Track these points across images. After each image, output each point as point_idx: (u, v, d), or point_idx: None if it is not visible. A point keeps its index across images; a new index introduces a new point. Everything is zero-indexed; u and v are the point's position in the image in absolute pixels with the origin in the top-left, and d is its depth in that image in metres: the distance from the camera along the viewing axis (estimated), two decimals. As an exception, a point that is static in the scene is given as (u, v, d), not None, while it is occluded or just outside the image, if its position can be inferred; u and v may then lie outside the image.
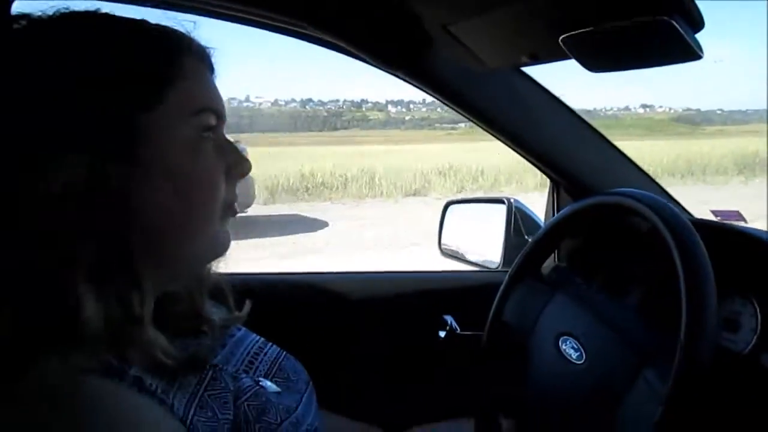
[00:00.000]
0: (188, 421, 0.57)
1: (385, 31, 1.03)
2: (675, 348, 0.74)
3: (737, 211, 1.47)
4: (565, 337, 0.98)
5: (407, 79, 1.14)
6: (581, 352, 0.94)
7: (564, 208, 1.17)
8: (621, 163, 1.32)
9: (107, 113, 0.57)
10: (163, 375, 0.57)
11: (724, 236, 1.01)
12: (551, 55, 0.90)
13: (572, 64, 0.88)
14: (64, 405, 0.50)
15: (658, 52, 0.78)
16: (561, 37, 0.81)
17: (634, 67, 0.84)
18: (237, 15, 1.12)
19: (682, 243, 0.82)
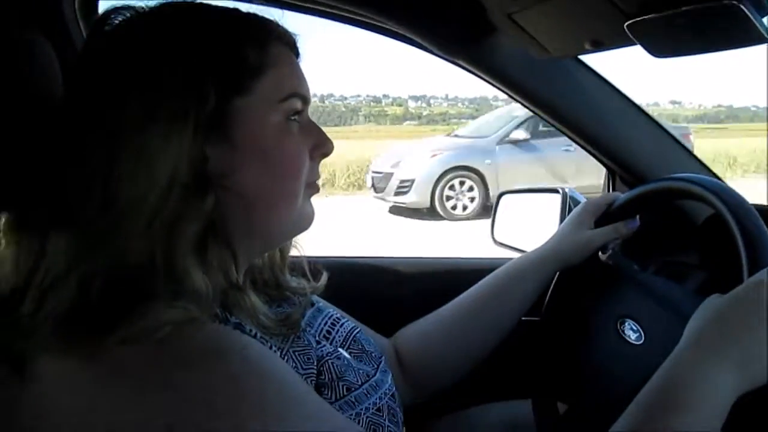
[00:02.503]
0: None
1: (449, 18, 1.07)
2: None
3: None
4: (624, 319, 1.00)
5: (467, 66, 1.17)
6: (640, 333, 0.96)
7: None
8: (677, 152, 1.32)
9: (207, 98, 0.61)
10: (261, 329, 0.62)
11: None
12: (615, 41, 0.92)
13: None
14: (182, 346, 0.54)
15: (724, 36, 0.79)
16: (626, 23, 0.83)
17: (700, 52, 0.85)
18: (291, 2, 1.14)
19: (746, 227, 0.83)
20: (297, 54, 0.72)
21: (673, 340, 0.90)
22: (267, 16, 0.70)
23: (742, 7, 0.71)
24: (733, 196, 0.88)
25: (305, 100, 0.69)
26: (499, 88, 1.20)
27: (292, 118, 0.68)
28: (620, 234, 1.06)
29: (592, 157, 1.35)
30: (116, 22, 0.65)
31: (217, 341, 0.56)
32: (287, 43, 0.70)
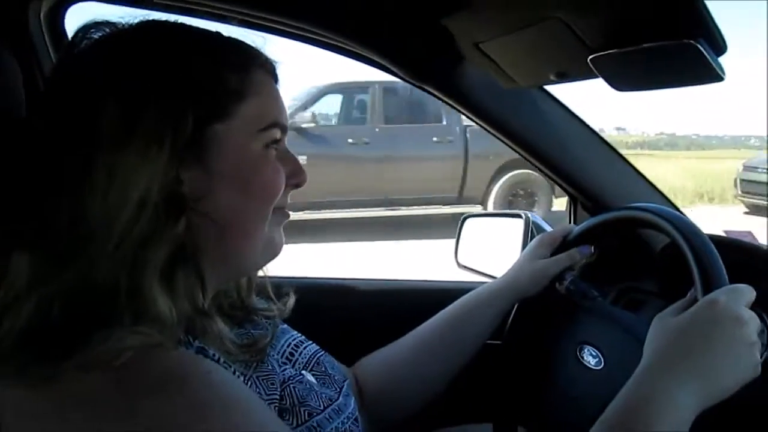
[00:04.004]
0: None
1: (418, 46, 1.09)
2: None
3: (750, 232, 1.51)
4: (584, 345, 1.02)
5: (435, 92, 1.19)
6: (599, 359, 0.97)
7: (581, 223, 1.21)
8: (636, 181, 1.36)
9: (185, 121, 0.60)
10: (225, 354, 0.61)
11: (739, 252, 1.05)
12: (579, 73, 0.94)
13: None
14: (143, 373, 0.53)
15: (683, 73, 0.82)
16: (590, 57, 0.86)
17: (659, 88, 0.88)
18: (267, 24, 1.13)
19: (699, 252, 0.85)
20: (276, 81, 0.71)
21: (632, 364, 0.91)
22: (249, 41, 0.69)
23: (699, 46, 0.74)
24: (687, 224, 0.90)
25: (284, 129, 0.69)
26: (465, 115, 1.22)
27: (271, 147, 0.68)
28: (574, 260, 1.08)
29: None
30: (95, 37, 0.64)
31: (179, 367, 0.54)
32: (269, 70, 0.70)
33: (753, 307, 0.94)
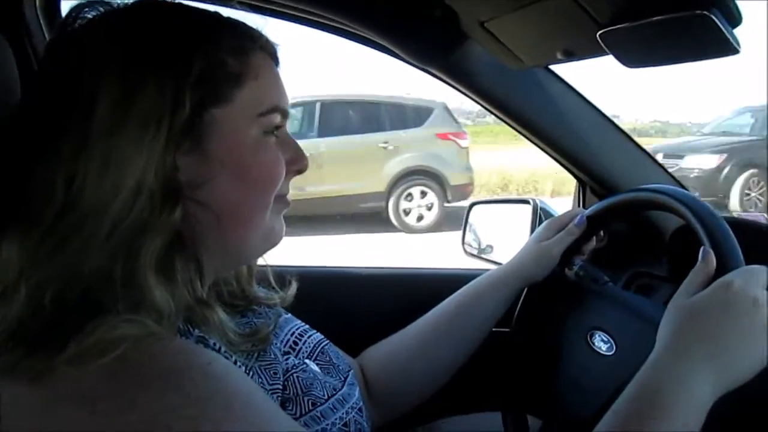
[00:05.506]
0: None
1: (420, 27, 1.06)
2: None
3: (763, 215, 1.48)
4: (594, 330, 0.99)
5: (439, 75, 1.16)
6: (611, 344, 0.95)
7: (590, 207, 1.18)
8: (647, 164, 1.33)
9: (182, 105, 0.58)
10: (227, 344, 0.59)
11: (755, 233, 1.02)
12: (587, 51, 0.91)
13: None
14: (140, 364, 0.51)
15: (695, 46, 0.79)
16: (598, 33, 0.83)
17: (671, 62, 0.85)
18: (267, 7, 1.10)
19: (713, 233, 0.83)
20: (277, 63, 0.69)
21: (644, 349, 0.89)
22: (249, 23, 0.67)
23: (713, 17, 0.71)
24: (700, 206, 0.88)
25: (285, 113, 0.67)
26: (470, 97, 1.20)
27: (271, 132, 0.65)
28: (574, 234, 1.05)
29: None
30: (88, 16, 0.62)
31: (178, 358, 0.52)
32: (269, 53, 0.68)
33: None
